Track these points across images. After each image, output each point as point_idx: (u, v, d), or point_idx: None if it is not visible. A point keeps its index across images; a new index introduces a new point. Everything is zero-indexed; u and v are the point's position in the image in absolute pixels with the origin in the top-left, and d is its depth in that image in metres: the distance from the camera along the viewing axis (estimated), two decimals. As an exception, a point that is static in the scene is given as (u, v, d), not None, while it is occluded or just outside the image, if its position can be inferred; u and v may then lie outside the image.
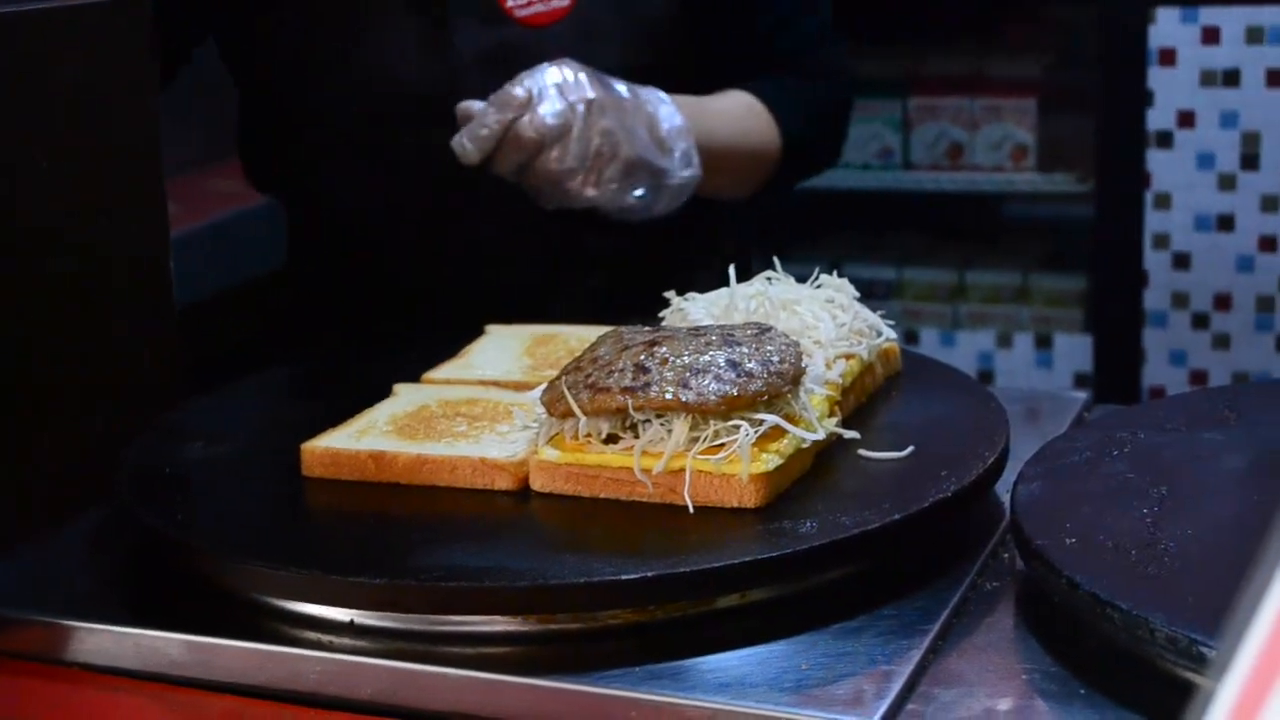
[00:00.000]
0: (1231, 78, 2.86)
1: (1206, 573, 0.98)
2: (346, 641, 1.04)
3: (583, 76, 1.58)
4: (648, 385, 1.12)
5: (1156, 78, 2.94)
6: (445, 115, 1.62)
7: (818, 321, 1.29)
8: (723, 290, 1.36)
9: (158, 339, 1.38)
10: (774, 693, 0.95)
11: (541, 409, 1.19)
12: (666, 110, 1.65)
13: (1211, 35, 2.89)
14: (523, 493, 1.16)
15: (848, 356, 1.28)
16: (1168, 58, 2.93)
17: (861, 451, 1.19)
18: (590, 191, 1.59)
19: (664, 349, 1.15)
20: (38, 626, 1.10)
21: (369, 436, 1.23)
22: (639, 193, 1.62)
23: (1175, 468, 1.15)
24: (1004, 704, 0.95)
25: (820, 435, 1.16)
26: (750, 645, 1.01)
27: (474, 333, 1.49)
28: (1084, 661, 0.99)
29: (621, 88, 1.62)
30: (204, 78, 1.86)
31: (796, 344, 1.19)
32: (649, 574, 1.01)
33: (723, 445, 1.11)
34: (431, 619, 1.04)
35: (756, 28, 1.84)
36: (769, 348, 1.16)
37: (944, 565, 1.12)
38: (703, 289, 1.40)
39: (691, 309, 1.34)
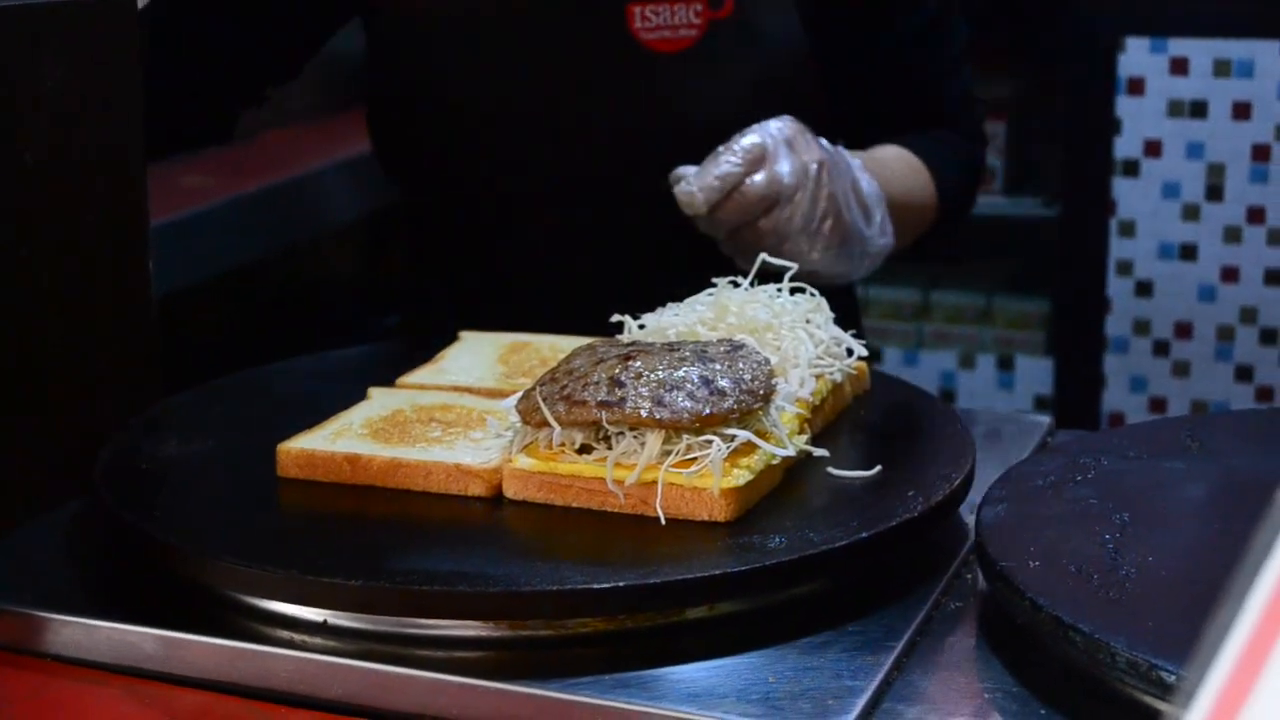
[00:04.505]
0: (1199, 109, 2.89)
1: (1167, 599, 1.00)
2: (319, 641, 1.05)
3: (809, 135, 1.53)
4: (623, 400, 1.13)
5: (1125, 106, 2.97)
6: (561, 132, 1.63)
7: (797, 341, 1.31)
8: (702, 299, 1.36)
9: (136, 333, 1.39)
10: (741, 704, 0.97)
11: (516, 417, 1.20)
12: (866, 176, 1.60)
13: (1180, 66, 2.93)
14: (496, 499, 1.17)
15: (819, 375, 1.30)
16: (1136, 87, 2.96)
17: (830, 469, 1.21)
18: (815, 255, 1.52)
19: (638, 363, 1.16)
20: (12, 617, 1.11)
21: (344, 439, 1.24)
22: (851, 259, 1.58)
23: (1138, 495, 1.17)
24: (965, 722, 0.97)
25: (790, 452, 1.18)
26: (718, 657, 1.03)
27: (448, 338, 1.50)
28: (1045, 683, 1.00)
29: (831, 149, 1.57)
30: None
31: (768, 361, 1.21)
32: (620, 584, 1.02)
33: (695, 459, 1.13)
34: (404, 621, 1.05)
35: (910, 86, 1.81)
36: (741, 365, 1.18)
37: (909, 583, 1.13)
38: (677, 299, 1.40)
39: (677, 321, 1.35)
